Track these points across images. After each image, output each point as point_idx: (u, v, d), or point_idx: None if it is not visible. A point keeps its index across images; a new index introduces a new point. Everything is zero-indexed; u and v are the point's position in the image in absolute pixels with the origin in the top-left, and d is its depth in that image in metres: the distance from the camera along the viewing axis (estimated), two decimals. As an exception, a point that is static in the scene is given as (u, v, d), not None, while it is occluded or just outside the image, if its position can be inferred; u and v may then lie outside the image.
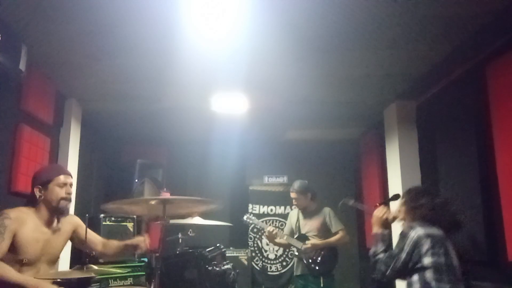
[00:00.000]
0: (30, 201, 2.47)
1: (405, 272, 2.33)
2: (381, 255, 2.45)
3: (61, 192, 2.46)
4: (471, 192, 3.21)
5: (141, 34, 2.92)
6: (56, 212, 2.48)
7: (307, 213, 4.39)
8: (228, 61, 3.33)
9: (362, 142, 5.74)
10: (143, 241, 2.69)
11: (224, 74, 3.58)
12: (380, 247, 2.51)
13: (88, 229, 2.54)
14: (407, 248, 2.29)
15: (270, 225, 5.97)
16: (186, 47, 3.06)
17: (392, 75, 3.65)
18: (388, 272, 2.35)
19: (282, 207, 6.17)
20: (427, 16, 2.67)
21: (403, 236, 2.34)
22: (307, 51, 3.21)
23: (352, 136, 5.83)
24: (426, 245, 2.26)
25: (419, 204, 2.45)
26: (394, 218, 2.63)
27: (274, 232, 4.34)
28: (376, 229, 2.63)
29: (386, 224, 2.66)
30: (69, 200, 2.51)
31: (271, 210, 6.13)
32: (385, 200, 4.29)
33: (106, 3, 2.53)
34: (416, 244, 2.28)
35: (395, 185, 4.26)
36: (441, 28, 2.83)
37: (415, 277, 2.28)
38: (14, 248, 2.27)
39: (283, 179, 6.27)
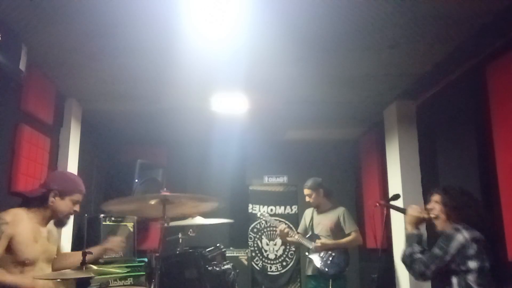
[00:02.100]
0: (35, 201, 2.44)
1: (443, 272, 2.31)
2: (419, 255, 2.41)
3: (71, 208, 2.48)
4: (471, 191, 3.21)
5: (141, 34, 2.92)
6: (57, 223, 2.49)
7: (321, 211, 4.38)
8: (228, 61, 3.33)
9: (362, 142, 5.74)
10: (118, 243, 2.63)
11: (224, 74, 3.58)
12: (417, 248, 2.46)
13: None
14: (452, 250, 2.26)
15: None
16: (186, 47, 3.06)
17: (392, 75, 3.65)
18: (427, 272, 2.33)
19: (282, 207, 6.18)
20: (427, 16, 2.67)
21: (448, 237, 2.29)
22: (307, 51, 3.21)
23: (352, 136, 5.83)
24: (472, 249, 2.24)
25: (462, 205, 2.41)
26: (430, 218, 2.55)
27: (286, 230, 4.33)
28: (410, 229, 2.57)
29: (421, 224, 2.60)
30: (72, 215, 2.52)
31: (271, 210, 6.13)
32: (385, 200, 4.31)
33: (106, 3, 2.53)
34: (463, 248, 2.25)
35: (395, 185, 4.26)
36: (441, 28, 2.83)
37: (455, 280, 2.28)
38: (13, 250, 2.27)
39: (283, 179, 6.27)
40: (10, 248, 2.26)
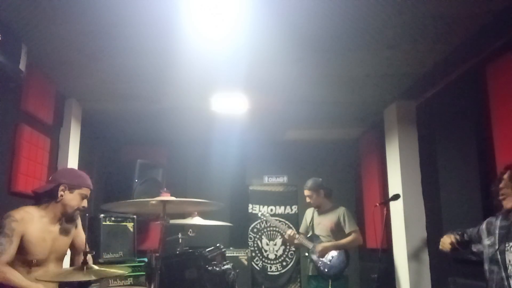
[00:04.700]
0: (45, 197, 2.44)
1: None
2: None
3: (81, 203, 2.48)
4: (471, 192, 3.21)
5: (141, 34, 2.92)
6: (67, 218, 2.49)
7: (322, 212, 4.39)
8: (228, 61, 3.33)
9: (362, 142, 5.74)
10: None
11: (224, 74, 3.58)
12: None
13: (83, 234, 2.53)
14: None
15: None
16: (186, 47, 3.06)
17: (392, 75, 3.65)
18: None
19: (282, 207, 6.18)
20: (427, 16, 2.67)
21: None
22: (307, 51, 3.21)
23: (352, 136, 5.83)
24: None
25: None
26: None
27: (294, 235, 4.35)
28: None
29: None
30: (82, 212, 2.52)
31: (271, 210, 6.13)
32: (385, 200, 4.32)
33: (106, 3, 2.53)
34: None
35: (395, 185, 4.26)
36: (441, 28, 2.83)
37: None
38: (22, 249, 2.26)
39: (283, 179, 6.27)
40: (19, 247, 2.25)
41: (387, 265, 4.37)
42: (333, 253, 4.19)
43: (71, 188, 2.45)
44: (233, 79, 3.69)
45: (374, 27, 2.81)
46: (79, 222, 2.70)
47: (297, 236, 4.39)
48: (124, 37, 2.96)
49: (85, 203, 2.51)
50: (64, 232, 2.52)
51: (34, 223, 2.33)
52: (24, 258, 2.27)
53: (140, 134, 5.67)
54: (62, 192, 2.42)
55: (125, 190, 4.81)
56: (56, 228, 2.46)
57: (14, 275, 2.19)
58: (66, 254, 2.59)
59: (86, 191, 2.52)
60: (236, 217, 5.87)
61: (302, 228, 4.59)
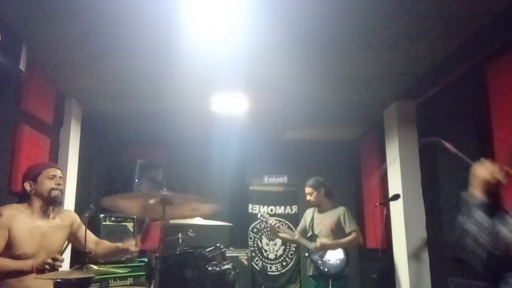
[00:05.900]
0: (22, 198, 2.51)
1: None
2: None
3: (51, 184, 2.51)
4: (471, 192, 3.20)
5: (141, 34, 2.92)
6: (50, 203, 2.51)
7: (322, 211, 4.39)
8: (228, 61, 3.33)
9: (362, 142, 5.74)
10: (133, 245, 2.71)
11: (224, 74, 3.59)
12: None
13: (84, 227, 2.55)
14: None
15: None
16: (186, 47, 3.06)
17: (392, 75, 3.65)
18: None
19: (282, 207, 6.18)
20: (427, 16, 2.67)
21: None
22: (307, 51, 3.21)
23: (352, 136, 5.83)
24: None
25: None
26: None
27: (276, 225, 4.36)
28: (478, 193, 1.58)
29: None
30: (60, 190, 2.54)
31: (271, 210, 6.13)
32: (385, 200, 4.32)
33: (106, 3, 2.53)
34: None
35: (395, 185, 4.26)
36: (441, 28, 2.83)
37: None
38: (10, 244, 2.30)
39: (283, 179, 6.27)
40: (7, 242, 2.29)
41: (387, 265, 4.37)
42: (333, 252, 4.19)
43: (33, 179, 2.50)
44: (233, 79, 3.69)
45: (374, 27, 2.81)
46: (76, 218, 2.71)
47: (296, 234, 4.39)
48: (124, 37, 2.96)
49: (57, 180, 2.54)
50: (56, 228, 2.55)
51: (21, 218, 2.38)
52: (12, 253, 2.30)
53: (140, 134, 5.67)
54: (29, 187, 2.48)
55: (125, 190, 4.81)
56: (45, 223, 2.49)
57: (4, 260, 2.25)
58: (60, 251, 2.60)
59: (49, 171, 2.54)
60: (236, 217, 5.87)
61: (299, 228, 4.59)
